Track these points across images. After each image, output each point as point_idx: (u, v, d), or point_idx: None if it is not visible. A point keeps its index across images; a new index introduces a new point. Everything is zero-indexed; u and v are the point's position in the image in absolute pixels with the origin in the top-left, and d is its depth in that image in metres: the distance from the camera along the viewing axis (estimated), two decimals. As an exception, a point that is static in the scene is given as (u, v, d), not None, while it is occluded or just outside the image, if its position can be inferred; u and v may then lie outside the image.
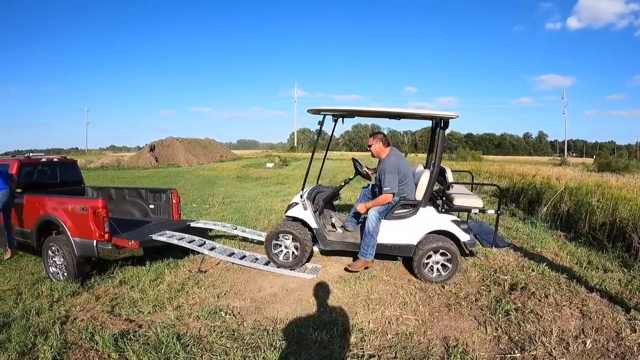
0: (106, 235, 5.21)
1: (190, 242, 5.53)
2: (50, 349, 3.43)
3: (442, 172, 5.14)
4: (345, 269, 5.04)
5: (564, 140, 67.18)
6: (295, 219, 5.13)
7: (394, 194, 4.53)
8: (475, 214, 4.92)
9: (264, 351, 3.36)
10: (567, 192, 9.50)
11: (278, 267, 5.09)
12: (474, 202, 4.71)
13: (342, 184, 5.47)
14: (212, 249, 5.51)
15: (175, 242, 5.43)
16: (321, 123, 4.93)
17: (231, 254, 5.37)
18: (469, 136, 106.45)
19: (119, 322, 4.09)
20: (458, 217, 4.80)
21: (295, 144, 64.30)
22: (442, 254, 4.61)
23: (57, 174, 7.19)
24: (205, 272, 5.35)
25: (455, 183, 4.96)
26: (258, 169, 27.44)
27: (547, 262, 5.52)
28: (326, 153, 6.48)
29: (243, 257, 5.38)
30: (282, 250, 5.08)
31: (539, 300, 4.26)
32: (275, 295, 4.61)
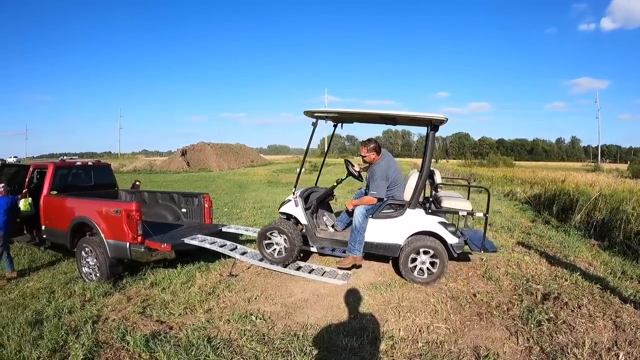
0: (139, 238, 5.35)
1: (221, 246, 5.55)
2: (82, 347, 3.49)
3: (431, 174, 5.17)
4: (339, 268, 5.09)
5: (598, 146, 64.03)
6: (288, 216, 5.27)
7: (379, 198, 4.67)
8: (464, 216, 4.87)
9: (294, 356, 3.33)
10: (602, 199, 9.26)
11: (309, 273, 5.03)
12: (462, 204, 4.71)
13: (335, 184, 5.59)
14: (243, 253, 5.50)
15: (207, 246, 5.48)
16: (315, 124, 5.12)
17: (262, 259, 5.35)
18: (501, 142, 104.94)
19: (150, 323, 4.14)
20: (446, 219, 4.80)
21: (326, 150, 64.46)
22: (429, 255, 4.65)
23: (91, 177, 7.50)
24: (236, 276, 5.35)
25: (444, 184, 4.94)
26: (289, 174, 27.81)
27: (580, 271, 5.40)
28: (325, 157, 6.74)
29: (285, 266, 5.33)
30: (274, 248, 5.17)
31: (572, 311, 4.15)
32: (306, 300, 4.54)
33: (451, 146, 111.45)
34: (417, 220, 4.66)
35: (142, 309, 4.49)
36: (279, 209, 5.50)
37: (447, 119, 4.51)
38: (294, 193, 5.31)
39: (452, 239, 4.58)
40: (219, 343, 3.57)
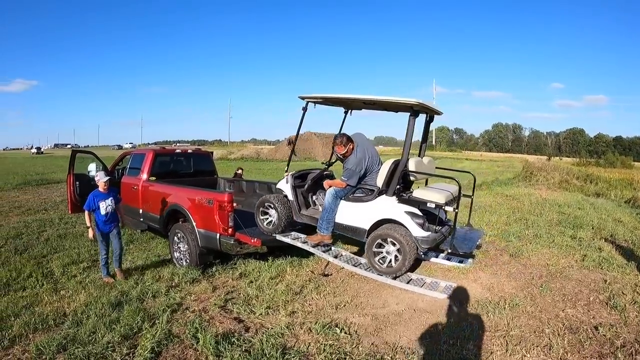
0: (230, 230, 5.37)
1: (314, 246, 5.26)
2: (152, 338, 3.45)
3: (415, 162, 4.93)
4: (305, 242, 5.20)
5: None
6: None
7: (349, 185, 4.80)
8: (433, 208, 4.46)
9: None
10: None
11: (407, 283, 4.48)
12: (434, 196, 4.45)
13: (325, 166, 5.90)
14: (336, 256, 5.10)
15: (299, 244, 5.23)
16: (304, 109, 5.37)
17: (357, 264, 4.90)
18: (618, 140, 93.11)
19: (227, 320, 4.01)
20: (420, 209, 4.50)
21: (434, 142, 61.69)
22: (394, 245, 4.50)
23: (190, 165, 7.90)
24: (328, 276, 5.05)
25: (417, 173, 4.68)
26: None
27: None
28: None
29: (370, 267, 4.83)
30: (267, 218, 5.52)
31: None
32: (399, 315, 4.01)
33: (564, 143, 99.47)
34: (384, 207, 4.64)
35: (224, 302, 4.43)
36: (276, 185, 5.90)
37: (421, 103, 4.43)
38: (286, 171, 5.57)
39: (417, 232, 4.38)
40: (293, 357, 3.23)
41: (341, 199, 4.93)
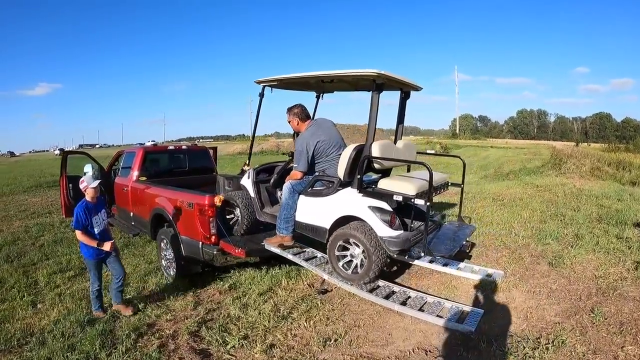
0: (213, 238, 4.55)
1: (309, 259, 4.32)
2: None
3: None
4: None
5: None
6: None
7: (303, 172, 4.14)
8: (400, 200, 3.55)
9: None
10: None
11: (420, 310, 3.39)
12: (402, 186, 3.59)
13: (290, 157, 4.97)
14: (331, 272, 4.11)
15: (289, 257, 4.30)
16: (261, 95, 4.79)
17: (368, 291, 3.76)
18: None
19: (192, 354, 3.20)
20: (390, 202, 3.60)
21: (457, 131, 59.32)
22: (358, 247, 3.76)
23: (186, 162, 7.12)
24: (326, 293, 4.13)
25: (382, 159, 3.78)
26: (417, 156, 25.50)
27: None
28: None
29: (373, 289, 3.75)
30: (233, 218, 4.91)
31: None
32: (406, 359, 2.97)
33: (591, 128, 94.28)
34: (345, 201, 3.83)
35: (198, 325, 3.66)
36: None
37: (400, 79, 3.81)
38: (246, 164, 4.95)
39: (382, 230, 3.55)
40: None
41: (300, 193, 4.17)
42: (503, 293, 3.74)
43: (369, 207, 3.65)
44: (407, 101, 4.48)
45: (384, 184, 3.71)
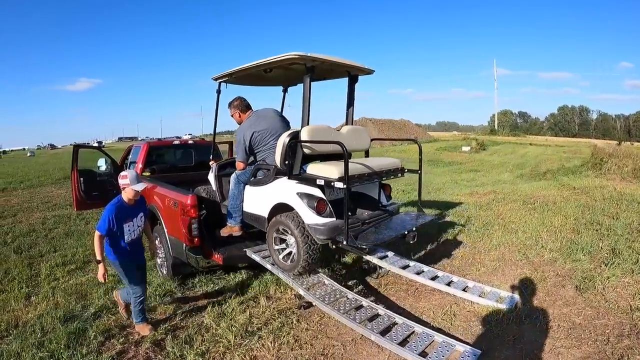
0: (195, 240, 4.16)
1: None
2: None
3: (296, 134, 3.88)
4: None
5: None
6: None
7: (244, 162, 4.16)
8: (322, 185, 3.36)
9: None
10: None
11: (398, 345, 2.67)
12: (327, 170, 3.37)
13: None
14: (315, 286, 3.50)
15: (268, 266, 3.82)
16: (218, 92, 4.69)
17: (347, 311, 3.08)
18: None
19: None
20: (324, 188, 3.42)
21: (496, 127, 56.26)
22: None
23: (192, 157, 6.79)
24: (308, 308, 3.66)
25: (311, 142, 3.53)
26: (452, 153, 24.49)
27: None
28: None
29: (356, 309, 3.16)
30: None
31: None
32: None
33: (635, 126, 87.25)
34: (279, 189, 3.75)
35: (167, 332, 3.42)
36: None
37: (330, 60, 3.56)
38: (211, 159, 4.92)
39: (309, 218, 3.41)
40: None
41: (245, 183, 4.15)
42: (512, 326, 3.03)
43: (297, 193, 3.53)
44: (355, 84, 4.25)
45: (311, 169, 3.54)
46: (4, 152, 68.32)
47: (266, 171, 4.01)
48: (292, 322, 3.36)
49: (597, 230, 5.31)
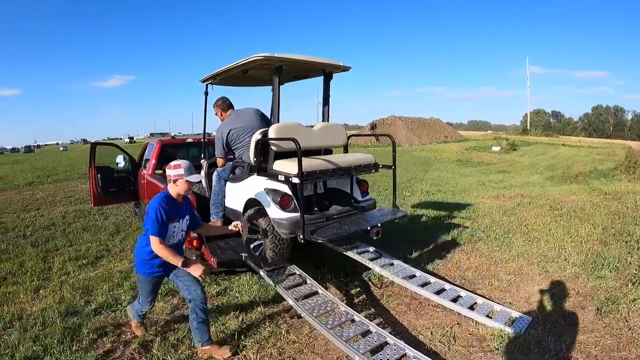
0: (194, 242, 4.16)
1: (289, 276, 3.65)
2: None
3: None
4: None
5: None
6: None
7: (222, 158, 4.26)
8: (282, 181, 3.42)
9: None
10: None
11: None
12: (288, 167, 3.44)
13: None
14: (306, 296, 3.31)
15: (262, 273, 3.64)
16: (206, 93, 4.79)
17: (335, 326, 2.84)
18: None
19: None
20: (287, 183, 3.40)
21: (529, 127, 53.76)
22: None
23: (206, 154, 6.78)
24: (300, 317, 3.41)
25: (274, 139, 3.52)
26: (482, 153, 23.56)
27: None
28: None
29: (349, 322, 2.95)
30: None
31: None
32: None
33: None
34: (251, 185, 3.85)
35: (157, 334, 3.29)
36: None
37: (277, 57, 3.52)
38: (202, 157, 5.09)
39: (273, 212, 3.43)
40: None
41: (225, 180, 4.29)
42: (517, 356, 2.68)
43: (265, 189, 3.62)
44: (330, 81, 4.32)
45: (276, 165, 3.60)
46: (38, 146, 71.20)
47: (242, 168, 4.10)
48: (281, 333, 3.17)
49: (626, 242, 4.83)
